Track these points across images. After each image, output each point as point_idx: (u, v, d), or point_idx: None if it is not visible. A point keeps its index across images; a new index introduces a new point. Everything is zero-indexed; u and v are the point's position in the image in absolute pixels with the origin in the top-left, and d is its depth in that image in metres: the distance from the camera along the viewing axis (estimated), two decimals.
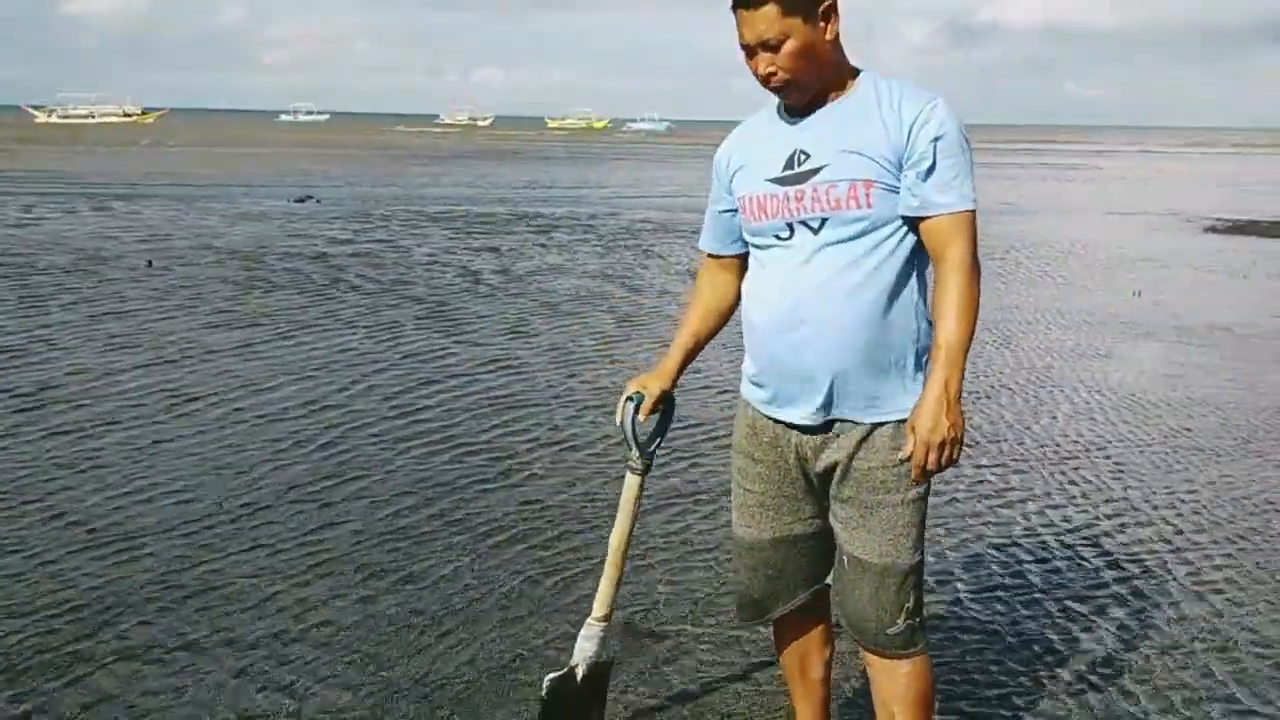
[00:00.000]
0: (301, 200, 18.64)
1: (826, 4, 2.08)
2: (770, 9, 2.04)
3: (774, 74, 2.10)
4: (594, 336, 7.90)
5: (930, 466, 2.06)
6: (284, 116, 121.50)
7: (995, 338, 8.06)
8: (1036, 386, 6.64)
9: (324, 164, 31.99)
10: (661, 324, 8.39)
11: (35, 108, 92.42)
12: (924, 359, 2.14)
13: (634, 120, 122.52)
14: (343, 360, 6.89)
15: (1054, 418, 5.95)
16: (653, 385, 2.41)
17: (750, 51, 2.11)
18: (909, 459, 2.08)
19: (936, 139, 2.05)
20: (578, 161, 38.59)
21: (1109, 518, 4.43)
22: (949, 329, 2.04)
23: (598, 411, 5.85)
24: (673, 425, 2.52)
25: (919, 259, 2.13)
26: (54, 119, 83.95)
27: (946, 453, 2.05)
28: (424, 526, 4.17)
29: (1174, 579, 3.83)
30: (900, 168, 2.07)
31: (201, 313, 8.36)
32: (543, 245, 13.39)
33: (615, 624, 2.68)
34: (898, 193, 2.08)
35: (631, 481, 2.43)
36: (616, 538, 2.47)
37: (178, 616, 3.36)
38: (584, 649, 2.51)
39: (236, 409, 5.71)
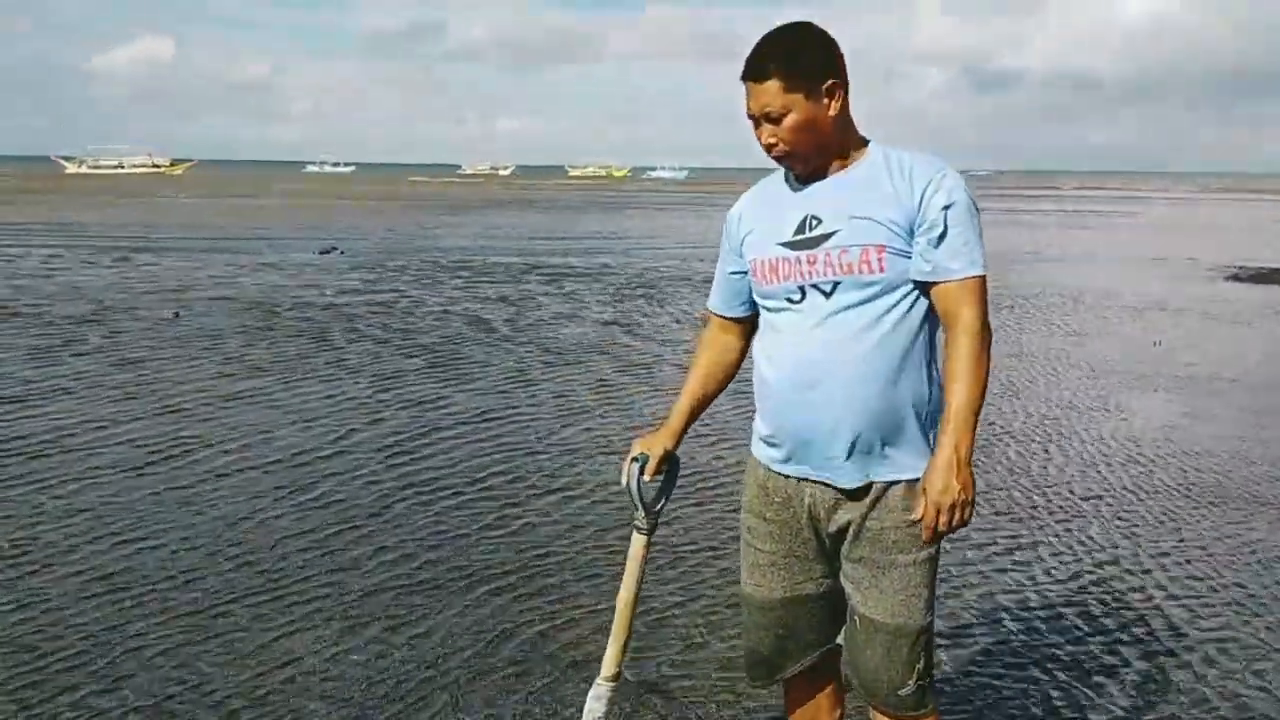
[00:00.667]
0: (326, 252, 18.79)
1: (831, 82, 2.14)
2: (774, 84, 2.12)
3: (775, 144, 2.17)
4: (599, 385, 7.92)
5: (941, 528, 2.09)
6: (310, 167, 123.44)
7: (1010, 387, 8.02)
8: (1048, 438, 6.58)
9: (349, 215, 32.29)
10: (667, 372, 8.42)
11: (66, 159, 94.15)
12: (936, 420, 2.15)
13: (653, 169, 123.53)
14: (346, 408, 6.91)
15: (1064, 470, 5.89)
16: (656, 446, 2.42)
17: (755, 121, 2.18)
18: (920, 520, 2.11)
19: (947, 207, 2.10)
20: (596, 210, 38.87)
21: (1121, 575, 4.36)
22: (959, 393, 2.09)
23: (600, 459, 5.85)
24: (680, 476, 2.53)
25: (930, 322, 2.18)
26: (84, 170, 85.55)
27: (957, 514, 2.08)
28: (430, 577, 4.17)
29: (1187, 637, 3.76)
30: (911, 234, 2.12)
31: (211, 362, 8.44)
32: (554, 294, 13.46)
33: (624, 683, 2.67)
34: (909, 258, 2.13)
35: (638, 541, 2.44)
36: (624, 597, 2.47)
37: (190, 669, 3.37)
38: (593, 709, 2.50)
39: (240, 457, 5.75)
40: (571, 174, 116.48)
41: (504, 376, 8.12)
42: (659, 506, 2.45)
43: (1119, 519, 5.06)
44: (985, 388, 2.11)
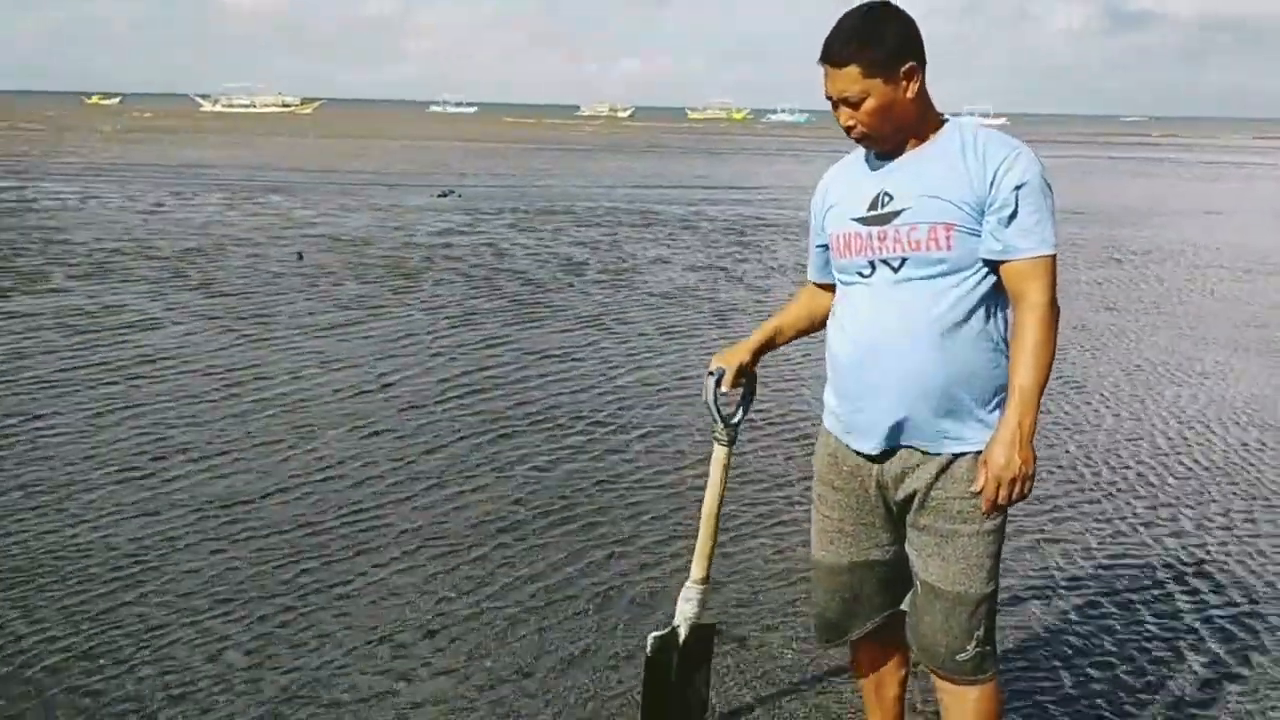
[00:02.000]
0: (444, 195, 19.18)
1: (908, 66, 2.17)
2: (852, 69, 2.16)
3: (854, 127, 2.22)
4: (678, 328, 8.11)
5: (1000, 501, 2.15)
6: (435, 107, 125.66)
7: (1114, 351, 7.79)
8: (1130, 401, 6.40)
9: (467, 158, 32.61)
10: (748, 321, 8.50)
11: (202, 97, 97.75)
12: (1003, 395, 2.19)
13: (773, 111, 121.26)
14: (434, 345, 7.18)
15: (1138, 435, 5.73)
16: (733, 360, 2.51)
17: (834, 104, 2.22)
18: (981, 491, 2.17)
19: (1019, 186, 2.13)
20: (707, 156, 38.47)
21: (1186, 548, 4.26)
22: (1024, 370, 2.13)
23: (676, 403, 6.02)
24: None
25: (998, 299, 2.21)
26: (218, 108, 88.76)
27: (1017, 489, 2.14)
28: (511, 515, 4.38)
29: (1258, 616, 3.68)
30: (982, 213, 2.15)
31: (302, 298, 8.90)
32: (652, 240, 13.55)
33: (713, 586, 2.76)
34: (978, 236, 2.16)
35: (719, 452, 2.54)
36: (708, 505, 2.57)
37: (290, 586, 3.68)
38: (684, 610, 2.62)
39: (327, 389, 6.13)
40: (692, 116, 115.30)
41: (588, 318, 8.36)
42: (737, 420, 2.54)
43: (1190, 489, 4.94)
44: (1051, 365, 2.15)
